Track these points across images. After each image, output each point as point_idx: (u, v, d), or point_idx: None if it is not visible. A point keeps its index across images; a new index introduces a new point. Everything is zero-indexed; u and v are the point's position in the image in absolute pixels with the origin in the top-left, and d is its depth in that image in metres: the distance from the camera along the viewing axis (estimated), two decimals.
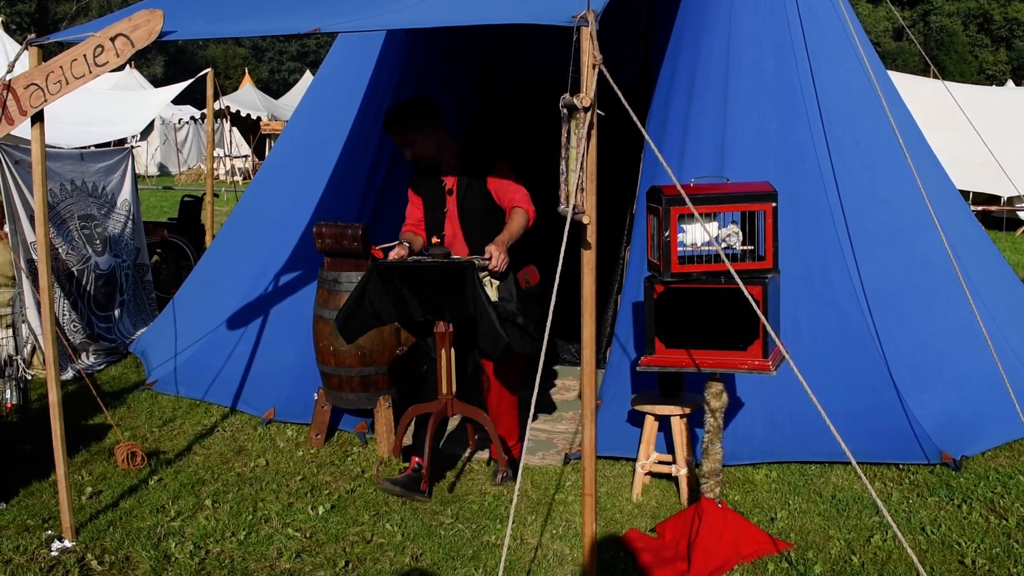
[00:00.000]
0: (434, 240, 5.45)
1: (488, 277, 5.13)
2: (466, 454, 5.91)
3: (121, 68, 27.07)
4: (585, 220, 3.58)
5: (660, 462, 5.34)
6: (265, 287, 7.11)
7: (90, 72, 4.41)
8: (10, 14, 42.47)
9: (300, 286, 6.89)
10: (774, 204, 4.51)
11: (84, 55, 4.38)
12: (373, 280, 5.13)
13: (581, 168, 3.49)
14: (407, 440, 5.51)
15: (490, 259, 5.07)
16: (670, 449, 5.36)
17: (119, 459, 5.77)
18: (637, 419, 5.56)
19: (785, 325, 5.08)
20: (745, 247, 4.55)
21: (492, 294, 5.08)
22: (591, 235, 3.66)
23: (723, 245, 4.55)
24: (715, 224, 4.59)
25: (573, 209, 3.52)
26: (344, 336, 5.26)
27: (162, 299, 9.08)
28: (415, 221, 5.71)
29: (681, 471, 5.23)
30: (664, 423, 5.38)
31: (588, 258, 3.69)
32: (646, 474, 5.37)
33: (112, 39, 4.32)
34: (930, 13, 59.54)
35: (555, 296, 3.58)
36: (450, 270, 4.98)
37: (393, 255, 5.38)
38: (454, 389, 5.15)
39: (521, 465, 3.70)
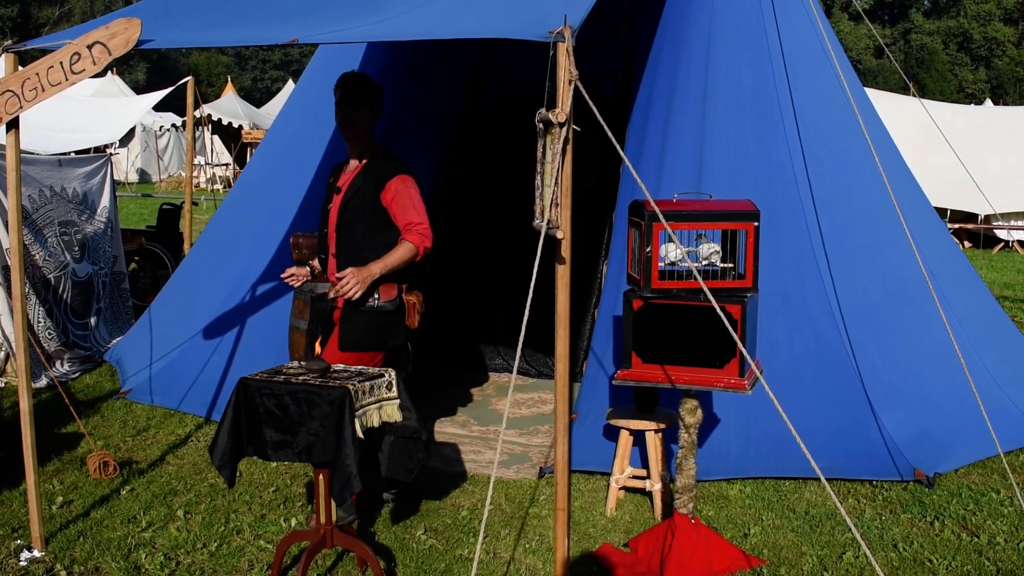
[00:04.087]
0: (316, 351, 4.74)
1: (384, 396, 4.31)
2: (441, 467, 5.89)
3: (102, 74, 27.01)
4: (559, 235, 3.59)
5: (634, 477, 5.34)
6: (242, 297, 7.08)
7: (66, 80, 4.40)
8: None
9: (277, 296, 6.87)
10: (756, 224, 4.53)
11: (61, 62, 4.36)
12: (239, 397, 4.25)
13: (556, 183, 3.49)
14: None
15: (342, 281, 4.66)
16: (645, 464, 5.36)
17: (91, 468, 5.72)
18: (612, 433, 5.56)
19: (761, 342, 5.09)
20: (725, 264, 4.56)
21: (394, 415, 4.33)
22: (565, 250, 3.65)
23: (704, 262, 4.56)
24: (704, 241, 4.61)
25: (548, 224, 3.52)
26: (225, 476, 4.29)
27: (139, 307, 9.03)
28: None
29: (655, 486, 5.23)
30: (639, 438, 5.38)
31: (562, 273, 3.68)
32: (620, 489, 5.36)
33: (89, 47, 4.30)
34: (911, 32, 60.12)
35: (528, 309, 3.58)
36: (320, 399, 4.09)
37: (290, 275, 5.09)
38: (334, 518, 4.32)
39: (493, 478, 3.69)
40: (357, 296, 4.74)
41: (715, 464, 5.53)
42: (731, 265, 4.58)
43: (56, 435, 6.40)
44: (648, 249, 4.45)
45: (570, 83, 3.47)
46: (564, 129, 3.46)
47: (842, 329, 5.89)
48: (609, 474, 5.39)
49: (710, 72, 6.19)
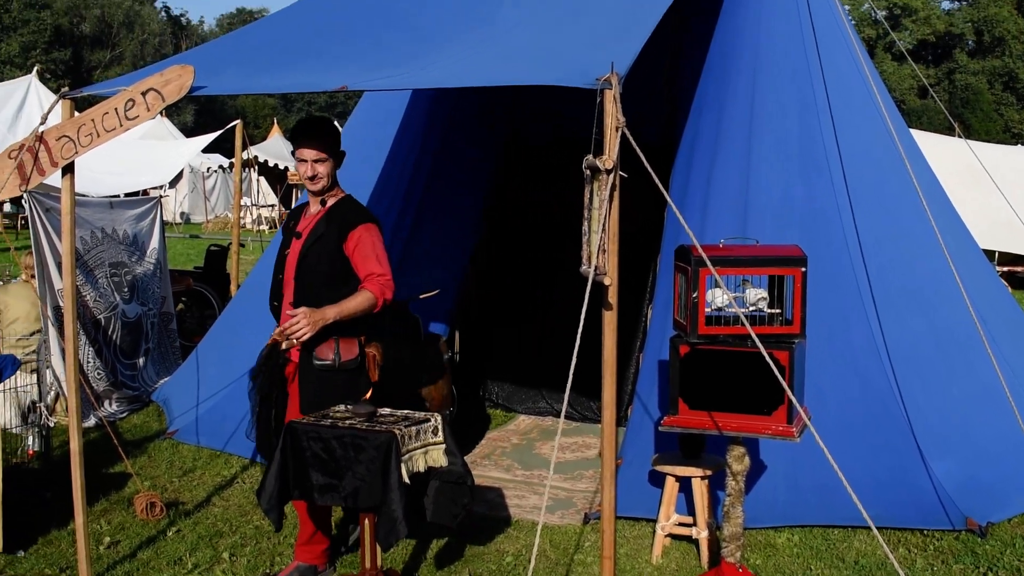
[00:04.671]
0: (366, 396, 4.57)
1: (430, 440, 4.31)
2: (485, 511, 5.87)
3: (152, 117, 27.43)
4: (607, 282, 3.58)
5: (681, 524, 5.29)
6: None
7: (121, 125, 4.47)
8: (45, 62, 43.22)
9: None
10: (804, 269, 4.50)
11: (116, 109, 4.44)
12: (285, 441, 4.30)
13: (603, 229, 3.49)
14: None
15: (292, 320, 4.47)
16: (691, 511, 5.31)
17: (138, 509, 5.76)
18: (658, 479, 5.51)
19: (808, 389, 5.04)
20: (773, 310, 4.53)
21: (440, 460, 4.35)
22: (612, 296, 3.65)
23: (752, 308, 4.54)
24: (749, 286, 4.58)
25: (595, 270, 3.52)
26: (272, 520, 4.38)
27: (186, 348, 9.11)
28: None
29: (702, 534, 5.17)
30: (685, 484, 5.33)
31: (609, 319, 3.68)
32: (666, 536, 5.31)
33: (143, 93, 4.38)
34: (955, 71, 59.68)
35: (576, 354, 3.58)
36: (367, 443, 4.14)
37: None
38: (379, 564, 4.35)
39: (540, 524, 3.67)
40: (306, 338, 4.50)
41: (762, 512, 5.46)
42: (778, 311, 4.55)
43: (104, 475, 6.46)
44: (695, 294, 4.43)
45: (617, 130, 3.48)
46: (611, 176, 3.47)
47: (890, 374, 5.81)
48: (655, 521, 5.34)
49: (755, 115, 6.18)
